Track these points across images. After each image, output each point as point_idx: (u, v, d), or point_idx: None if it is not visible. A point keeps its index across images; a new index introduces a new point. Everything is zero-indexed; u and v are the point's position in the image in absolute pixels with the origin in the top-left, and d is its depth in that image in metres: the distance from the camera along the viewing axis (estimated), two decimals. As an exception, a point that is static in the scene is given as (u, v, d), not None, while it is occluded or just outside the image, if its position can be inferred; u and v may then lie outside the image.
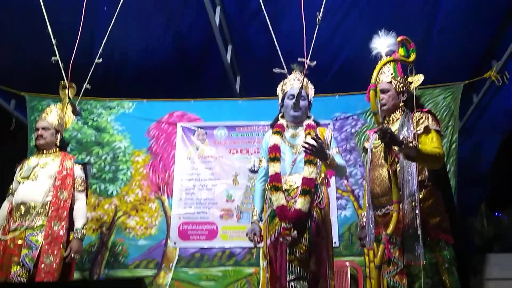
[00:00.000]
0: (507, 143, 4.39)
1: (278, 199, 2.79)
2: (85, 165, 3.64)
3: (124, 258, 4.42)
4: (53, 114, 3.52)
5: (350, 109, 4.69)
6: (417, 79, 2.70)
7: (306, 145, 2.62)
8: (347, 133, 4.64)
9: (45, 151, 3.47)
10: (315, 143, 2.62)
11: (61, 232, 3.23)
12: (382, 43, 2.64)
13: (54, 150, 3.50)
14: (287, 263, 2.67)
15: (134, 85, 4.87)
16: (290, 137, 3.00)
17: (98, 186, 4.64)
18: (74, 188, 3.40)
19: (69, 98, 3.45)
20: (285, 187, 2.84)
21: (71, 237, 3.30)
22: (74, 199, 3.40)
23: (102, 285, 1.78)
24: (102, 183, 4.66)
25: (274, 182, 2.84)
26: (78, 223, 3.35)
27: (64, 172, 3.36)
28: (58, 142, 3.50)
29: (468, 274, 4.08)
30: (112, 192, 4.64)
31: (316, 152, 2.65)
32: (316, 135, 2.76)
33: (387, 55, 2.64)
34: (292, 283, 2.64)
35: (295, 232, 2.66)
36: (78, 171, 3.48)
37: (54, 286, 1.83)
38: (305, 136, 2.90)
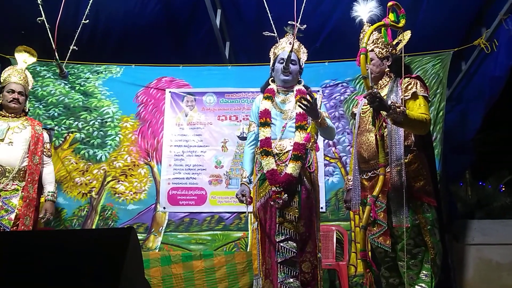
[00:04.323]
0: (491, 112, 4.42)
1: (268, 163, 2.82)
2: (49, 131, 3.71)
3: (113, 222, 4.45)
4: (26, 79, 3.56)
5: (339, 76, 4.65)
6: (405, 37, 2.71)
7: (303, 101, 2.66)
8: (336, 100, 4.63)
9: (12, 114, 3.48)
10: (310, 100, 2.66)
11: (35, 195, 3.33)
12: (363, 9, 2.63)
13: (22, 114, 3.54)
14: (277, 225, 2.74)
15: (121, 49, 4.78)
16: (281, 102, 3.01)
17: (86, 151, 4.62)
18: (43, 153, 3.49)
19: (56, 60, 3.41)
20: (275, 151, 2.87)
21: (42, 199, 3.36)
22: (42, 163, 3.49)
23: (93, 234, 1.81)
24: (91, 148, 4.64)
25: (265, 147, 2.86)
26: (50, 186, 3.47)
27: (36, 137, 3.43)
28: (26, 108, 3.60)
29: (449, 237, 4.20)
30: (100, 158, 4.62)
31: (310, 109, 2.69)
32: (310, 94, 2.77)
33: (369, 21, 2.64)
34: (281, 243, 2.72)
35: (286, 195, 2.71)
36: (46, 136, 3.59)
37: (47, 235, 1.85)
38: (295, 102, 2.92)
